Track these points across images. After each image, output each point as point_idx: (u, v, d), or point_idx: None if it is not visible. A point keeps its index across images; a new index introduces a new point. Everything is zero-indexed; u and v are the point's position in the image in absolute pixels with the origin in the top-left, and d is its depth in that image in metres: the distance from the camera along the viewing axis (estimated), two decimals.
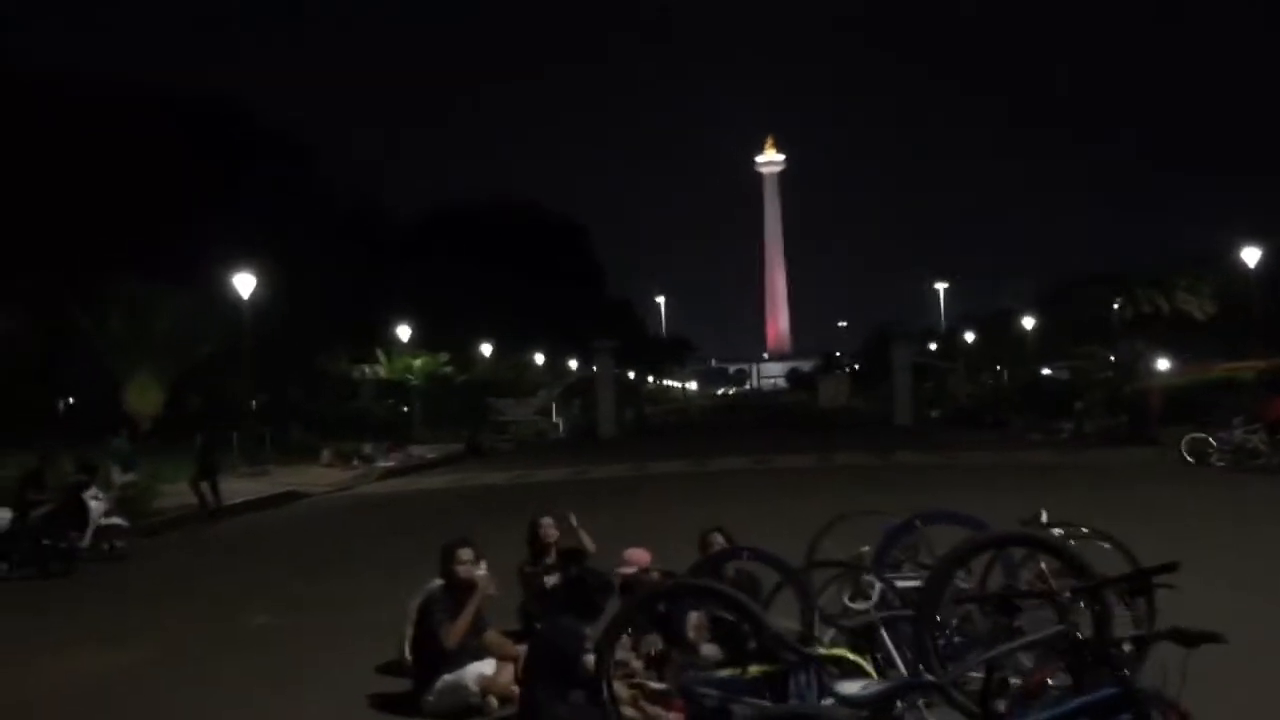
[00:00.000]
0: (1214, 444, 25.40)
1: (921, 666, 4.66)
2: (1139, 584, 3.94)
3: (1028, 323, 61.06)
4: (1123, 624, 4.88)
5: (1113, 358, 52.66)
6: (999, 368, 66.50)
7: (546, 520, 9.40)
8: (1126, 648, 3.43)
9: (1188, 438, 26.31)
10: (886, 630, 5.01)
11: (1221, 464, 24.55)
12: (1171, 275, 53.81)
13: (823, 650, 5.04)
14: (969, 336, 74.28)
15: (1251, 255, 42.22)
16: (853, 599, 6.54)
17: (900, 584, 6.56)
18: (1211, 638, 3.31)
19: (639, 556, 8.52)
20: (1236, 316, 47.67)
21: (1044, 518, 6.96)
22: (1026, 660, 4.98)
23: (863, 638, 4.82)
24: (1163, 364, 44.57)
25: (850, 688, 3.56)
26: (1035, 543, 5.53)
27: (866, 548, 7.21)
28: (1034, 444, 35.70)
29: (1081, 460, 28.15)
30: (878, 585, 6.45)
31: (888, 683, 3.64)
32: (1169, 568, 3.89)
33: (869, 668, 4.80)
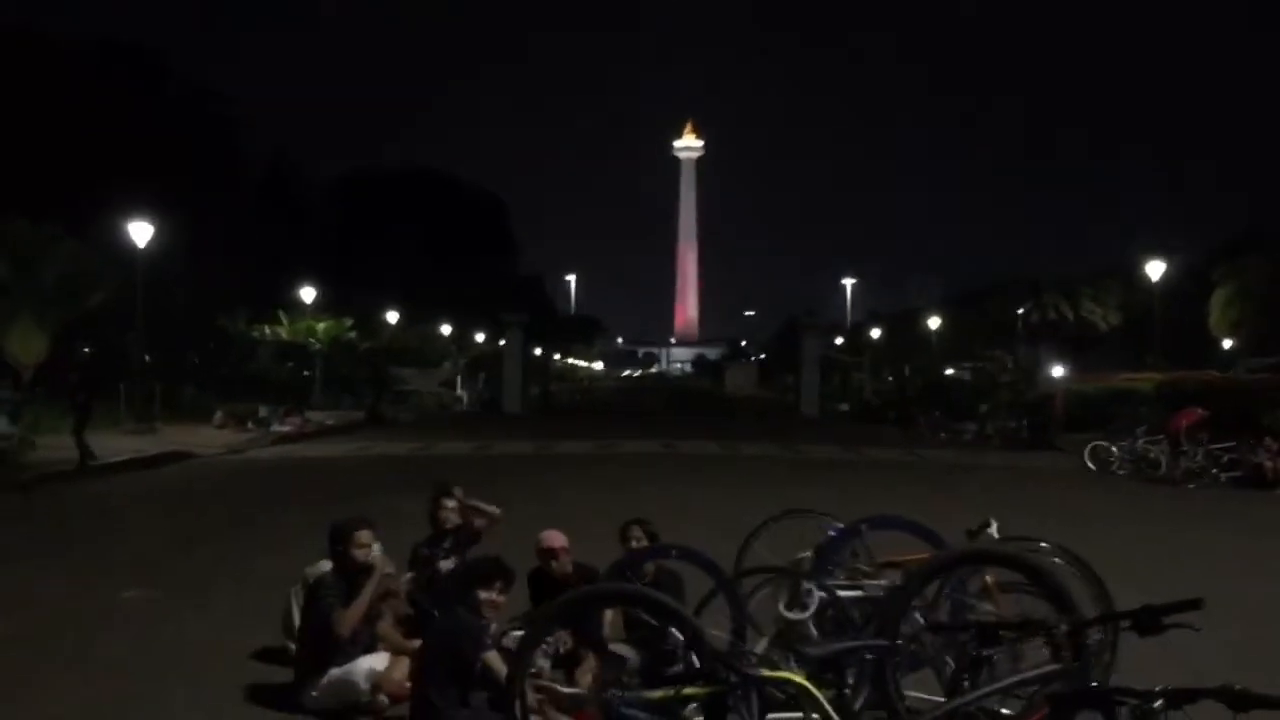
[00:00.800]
0: (1116, 452, 25.66)
1: (883, 702, 4.13)
2: (1148, 622, 3.42)
3: (934, 322, 61.70)
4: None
5: (1010, 364, 53.46)
6: (904, 366, 67.17)
7: (447, 500, 8.65)
8: (1157, 703, 2.90)
9: (1091, 445, 26.56)
10: (846, 658, 4.46)
11: (1123, 472, 24.82)
12: (1078, 284, 54.73)
13: (766, 671, 4.48)
14: (875, 333, 74.90)
15: (1155, 269, 43.02)
16: (789, 608, 6.00)
17: (842, 594, 6.03)
18: (1272, 702, 2.79)
19: (554, 538, 7.88)
20: (1139, 328, 48.69)
21: (994, 529, 6.49)
22: (993, 700, 4.48)
23: (825, 667, 4.26)
24: (1062, 371, 45.29)
25: None
26: (1012, 563, 5.02)
27: (806, 553, 6.67)
28: (939, 443, 35.87)
29: (988, 462, 28.25)
30: (817, 594, 5.91)
31: None
32: (1191, 605, 3.37)
33: (822, 698, 4.23)
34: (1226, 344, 47.06)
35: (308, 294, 50.91)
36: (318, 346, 50.68)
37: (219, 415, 33.90)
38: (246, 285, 48.00)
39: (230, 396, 37.99)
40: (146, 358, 35.37)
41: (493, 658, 6.26)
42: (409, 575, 8.32)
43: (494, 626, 6.74)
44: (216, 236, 44.17)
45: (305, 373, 50.49)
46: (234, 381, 42.62)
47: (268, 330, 51.39)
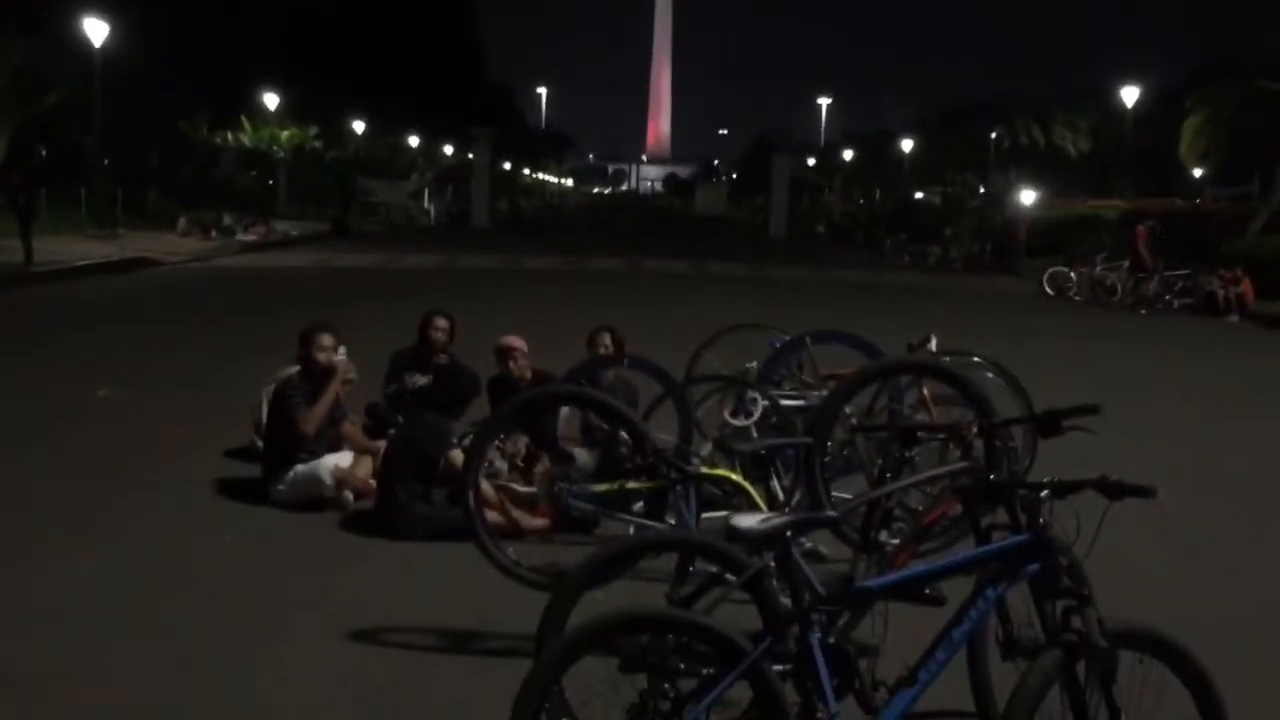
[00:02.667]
0: (1074, 278, 26.15)
1: (809, 497, 4.47)
2: (1050, 425, 3.72)
3: (906, 145, 61.27)
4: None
5: (980, 188, 53.49)
6: (874, 189, 66.96)
7: (439, 320, 8.82)
8: (1044, 493, 3.21)
9: (1050, 271, 27.05)
10: (775, 456, 4.78)
11: (1079, 298, 25.36)
12: (1051, 109, 54.27)
13: (705, 469, 4.80)
14: (847, 154, 74.37)
15: (1130, 94, 42.73)
16: (734, 415, 6.33)
17: (784, 403, 6.35)
18: (1141, 491, 3.11)
19: (512, 340, 8.21)
20: (1109, 154, 48.64)
21: (933, 344, 6.78)
22: (912, 494, 4.83)
23: (755, 464, 4.57)
24: (1030, 196, 45.40)
25: (746, 521, 3.28)
26: (937, 372, 5.32)
27: (753, 363, 6.96)
28: (903, 266, 36.25)
29: (948, 285, 28.68)
30: (761, 402, 6.23)
31: (783, 516, 3.37)
32: (1088, 409, 3.66)
33: (754, 493, 4.56)
34: (1196, 172, 47.19)
35: (270, 100, 49.74)
36: (281, 155, 49.84)
37: (183, 223, 33.58)
38: (207, 89, 46.72)
39: (193, 204, 37.53)
40: (106, 161, 34.79)
41: (455, 456, 6.60)
42: (392, 387, 8.54)
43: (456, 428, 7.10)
44: (175, 36, 42.76)
45: (270, 182, 49.79)
46: (197, 189, 41.96)
47: (230, 137, 50.36)
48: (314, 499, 7.07)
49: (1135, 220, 30.99)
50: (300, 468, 7.16)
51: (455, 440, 6.84)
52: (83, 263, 22.48)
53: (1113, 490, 3.14)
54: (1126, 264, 25.66)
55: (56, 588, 5.64)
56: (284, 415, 7.26)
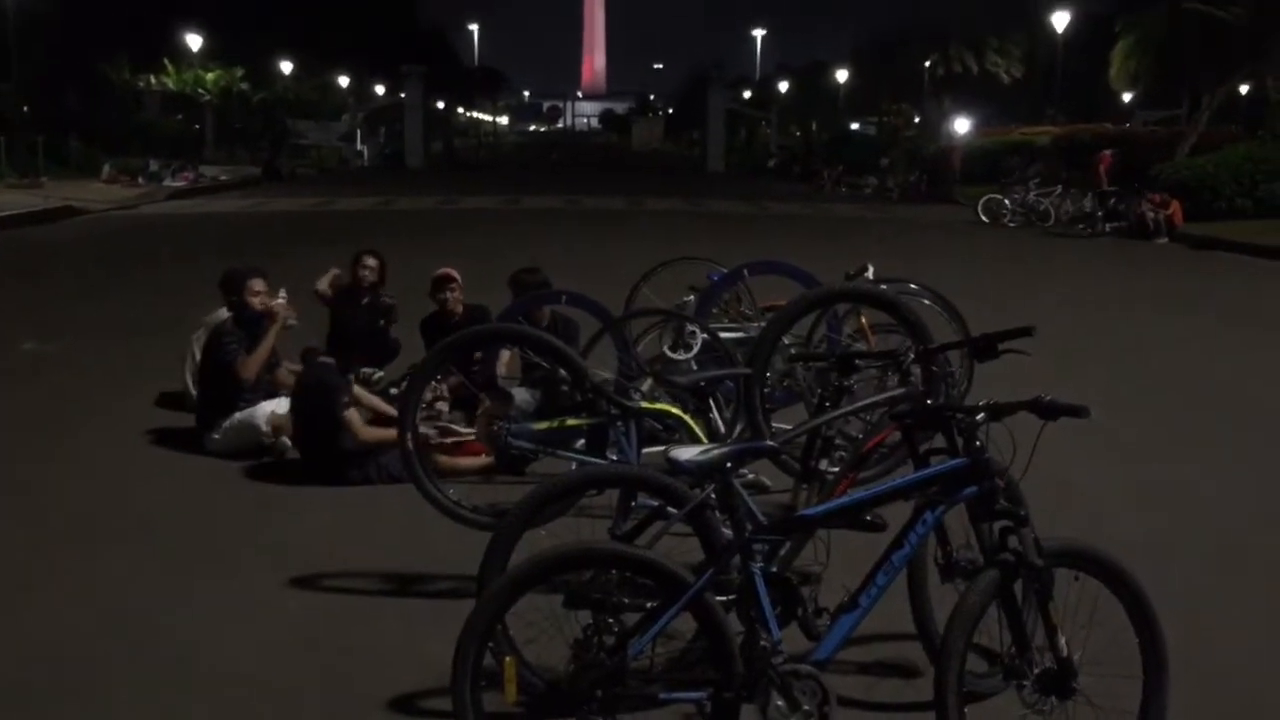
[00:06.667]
0: (1008, 204, 26.37)
1: (750, 428, 4.46)
2: (985, 348, 3.73)
3: (841, 76, 61.17)
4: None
5: (915, 118, 53.67)
6: (811, 120, 66.87)
7: (368, 259, 8.82)
8: (980, 416, 3.22)
9: (984, 198, 27.21)
10: (714, 388, 4.77)
11: (1014, 224, 25.60)
12: (985, 35, 54.40)
13: (645, 404, 4.78)
14: (783, 86, 74.13)
15: (1060, 20, 42.90)
16: (673, 348, 6.30)
17: (724, 335, 6.33)
18: (1074, 411, 3.13)
19: (451, 273, 8.18)
20: (1042, 81, 48.87)
21: (870, 272, 6.79)
22: (852, 421, 4.85)
23: (695, 397, 4.55)
24: (964, 125, 45.58)
25: (686, 453, 3.26)
26: (874, 300, 5.32)
27: (690, 297, 6.93)
28: (840, 198, 36.33)
29: (884, 215, 28.81)
30: (700, 335, 6.20)
31: (723, 447, 3.36)
32: (1023, 332, 3.68)
33: (695, 426, 4.55)
34: (1126, 97, 47.60)
35: (194, 41, 48.31)
36: (208, 98, 48.57)
37: (107, 169, 32.74)
38: (126, 30, 45.30)
39: (118, 151, 36.59)
40: (25, 108, 33.74)
41: (351, 416, 6.50)
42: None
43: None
44: None
45: (196, 126, 48.59)
46: (121, 135, 40.87)
47: (153, 80, 48.96)
48: (250, 446, 6.96)
49: (1069, 147, 31.39)
50: (237, 415, 7.04)
51: (349, 398, 6.64)
52: (4, 213, 21.84)
53: (1046, 411, 3.16)
54: (1058, 189, 26.00)
55: None
56: (221, 362, 7.12)
